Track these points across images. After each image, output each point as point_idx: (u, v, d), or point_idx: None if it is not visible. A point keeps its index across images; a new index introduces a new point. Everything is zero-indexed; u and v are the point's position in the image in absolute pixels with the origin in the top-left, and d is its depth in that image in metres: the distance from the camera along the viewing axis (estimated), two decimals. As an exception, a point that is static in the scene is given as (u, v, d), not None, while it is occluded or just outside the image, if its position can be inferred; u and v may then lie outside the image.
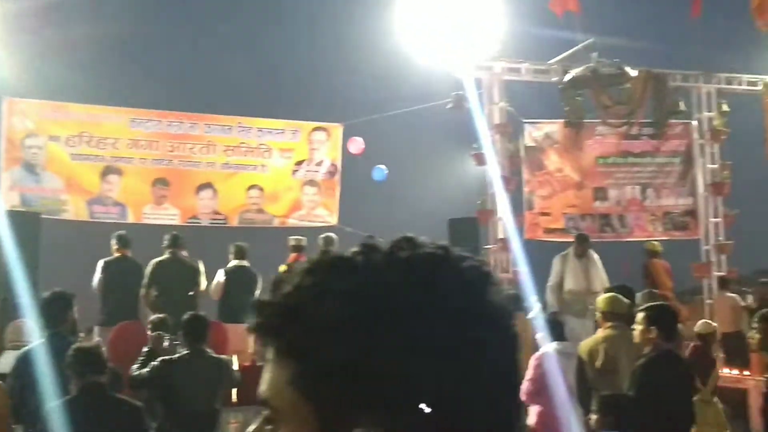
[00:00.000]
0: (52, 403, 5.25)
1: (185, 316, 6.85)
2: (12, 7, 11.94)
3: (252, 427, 0.99)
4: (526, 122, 13.94)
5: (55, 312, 6.44)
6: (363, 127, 14.89)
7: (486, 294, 0.94)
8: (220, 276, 10.95)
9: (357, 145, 14.54)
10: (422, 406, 0.87)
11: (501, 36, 12.90)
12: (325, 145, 14.59)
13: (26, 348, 6.46)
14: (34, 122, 13.21)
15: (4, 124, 12.99)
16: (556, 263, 11.63)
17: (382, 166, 14.97)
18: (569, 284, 11.32)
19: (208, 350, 6.79)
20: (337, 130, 14.66)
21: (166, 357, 6.71)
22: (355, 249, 0.95)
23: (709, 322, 10.12)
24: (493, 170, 12.96)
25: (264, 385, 0.94)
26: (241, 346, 9.65)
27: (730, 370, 10.70)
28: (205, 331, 6.82)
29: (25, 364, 5.97)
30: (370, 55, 14.44)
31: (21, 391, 5.83)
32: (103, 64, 14.26)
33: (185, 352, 6.61)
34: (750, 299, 13.15)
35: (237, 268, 10.97)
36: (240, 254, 11.15)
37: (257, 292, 10.93)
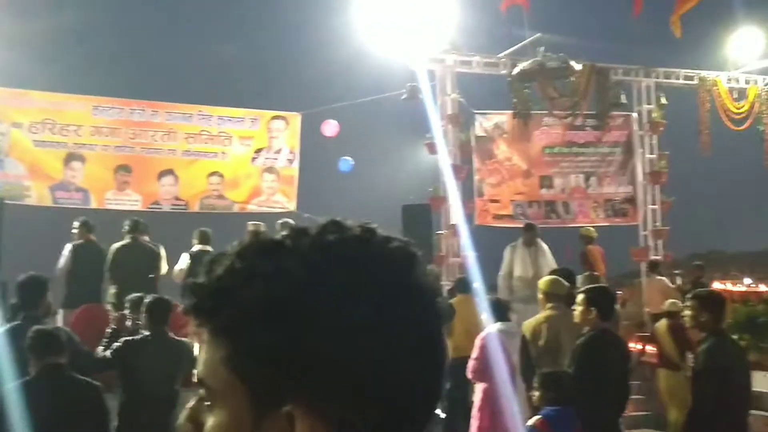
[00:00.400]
0: (11, 383, 5.13)
1: (149, 299, 6.74)
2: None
3: (189, 404, 0.97)
4: (477, 113, 13.96)
5: (31, 295, 6.31)
6: (321, 117, 14.86)
7: (411, 274, 0.93)
8: (184, 260, 10.86)
9: (331, 127, 14.50)
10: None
11: (453, 30, 12.90)
12: (284, 133, 14.52)
13: (3, 327, 6.30)
14: (-4, 109, 12.97)
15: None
16: (506, 253, 11.72)
17: (349, 158, 14.93)
18: (518, 271, 11.40)
19: (170, 333, 6.72)
20: (296, 119, 14.59)
21: (129, 337, 6.62)
22: (284, 233, 0.95)
23: (676, 301, 10.26)
24: (444, 159, 12.96)
25: (199, 365, 0.93)
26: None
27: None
28: (168, 313, 6.73)
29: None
30: (329, 46, 14.42)
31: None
32: (65, 53, 14.03)
33: (147, 333, 6.51)
34: (679, 281, 13.35)
35: (200, 252, 10.87)
36: (204, 239, 11.07)
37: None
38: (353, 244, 0.92)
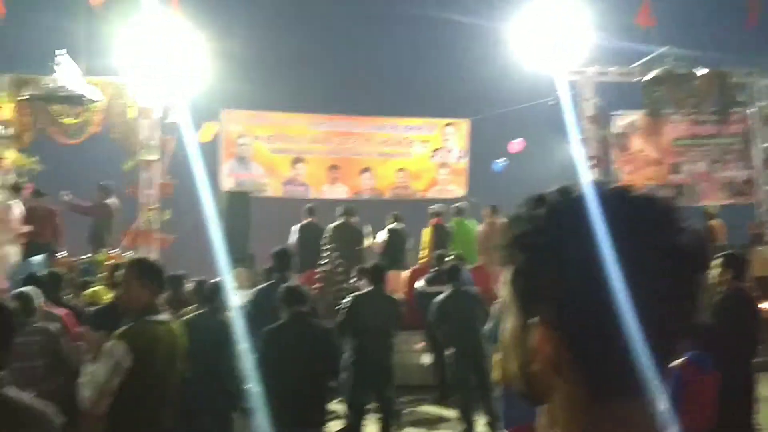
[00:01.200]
0: (269, 326, 5.40)
1: (370, 264, 6.91)
2: (223, 43, 12.32)
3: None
4: (613, 114, 13.39)
5: (282, 261, 6.59)
6: (485, 121, 14.75)
7: (652, 227, 0.87)
8: (382, 235, 11.06)
9: (518, 145, 14.47)
10: None
11: (593, 45, 12.40)
12: (455, 136, 14.58)
13: (262, 285, 6.67)
14: (243, 126, 13.75)
15: (223, 129, 13.57)
16: None
17: (501, 160, 14.74)
18: None
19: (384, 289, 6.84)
20: (465, 124, 14.62)
21: (357, 292, 6.82)
22: (551, 189, 0.94)
23: None
24: (580, 153, 12.46)
25: (502, 288, 0.97)
26: (397, 286, 9.86)
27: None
28: (383, 274, 6.88)
29: (259, 297, 6.13)
30: (491, 62, 14.18)
31: (257, 317, 5.87)
32: (291, 82, 14.63)
33: (369, 288, 6.67)
34: None
35: (394, 229, 11.05)
36: (397, 219, 11.23)
37: (407, 246, 11.03)
38: (593, 198, 0.89)
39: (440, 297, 7.07)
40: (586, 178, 11.23)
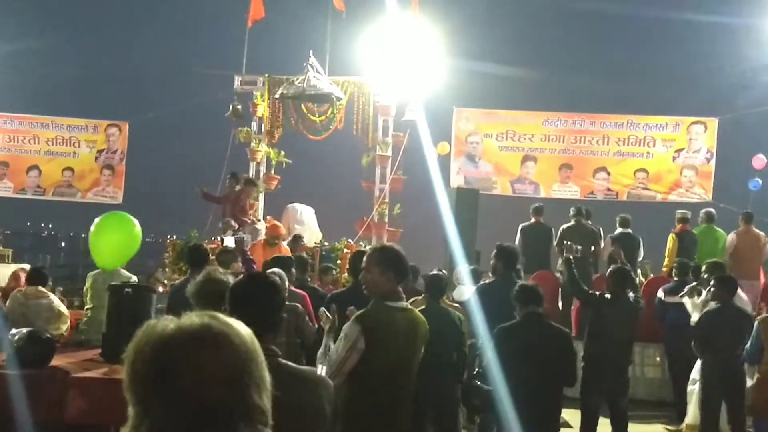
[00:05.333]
0: (500, 325, 5.25)
1: (614, 268, 6.51)
2: (458, 43, 12.44)
3: None
4: None
5: (510, 260, 6.42)
6: (738, 121, 13.46)
7: None
8: (607, 241, 10.47)
9: (760, 162, 13.25)
10: None
11: None
12: (703, 136, 13.40)
13: (483, 283, 6.58)
14: (474, 125, 13.77)
15: (454, 127, 13.73)
16: None
17: (758, 179, 13.33)
18: None
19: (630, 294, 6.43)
20: (713, 123, 13.40)
21: (598, 293, 6.47)
22: None
23: None
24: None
25: None
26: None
27: None
28: (627, 280, 6.44)
29: (483, 296, 6.02)
30: (743, 58, 12.88)
31: (483, 315, 5.75)
32: (524, 80, 14.44)
33: (608, 294, 6.30)
34: None
35: (622, 234, 10.38)
36: (625, 223, 10.54)
37: (640, 252, 10.33)
38: None
39: (709, 310, 6.61)
40: None
